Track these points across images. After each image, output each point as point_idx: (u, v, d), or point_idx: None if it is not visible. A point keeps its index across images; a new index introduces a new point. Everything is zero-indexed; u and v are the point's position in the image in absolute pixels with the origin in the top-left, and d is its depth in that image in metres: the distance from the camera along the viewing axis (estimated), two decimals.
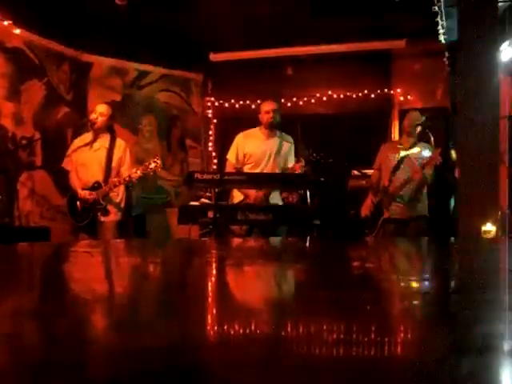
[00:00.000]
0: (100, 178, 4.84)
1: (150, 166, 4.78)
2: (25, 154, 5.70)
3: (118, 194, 4.93)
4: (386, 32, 6.44)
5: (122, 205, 4.98)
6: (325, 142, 6.08)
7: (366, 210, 4.99)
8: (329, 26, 6.22)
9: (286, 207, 4.75)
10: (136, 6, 5.69)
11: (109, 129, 5.05)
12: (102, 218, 4.83)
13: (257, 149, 4.83)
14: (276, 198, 4.82)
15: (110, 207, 4.86)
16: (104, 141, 4.94)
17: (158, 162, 4.80)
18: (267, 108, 4.84)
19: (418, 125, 4.94)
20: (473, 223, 4.60)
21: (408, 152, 4.89)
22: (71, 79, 6.33)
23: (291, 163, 4.82)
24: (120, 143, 5.01)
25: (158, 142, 7.06)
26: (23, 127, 5.68)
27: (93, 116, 4.95)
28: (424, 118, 5.05)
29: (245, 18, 6.04)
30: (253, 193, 4.69)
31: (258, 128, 4.92)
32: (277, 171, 4.81)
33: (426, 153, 4.85)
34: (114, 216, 4.89)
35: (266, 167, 4.82)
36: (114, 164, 4.90)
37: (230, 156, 4.89)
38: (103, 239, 4.63)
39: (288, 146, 4.88)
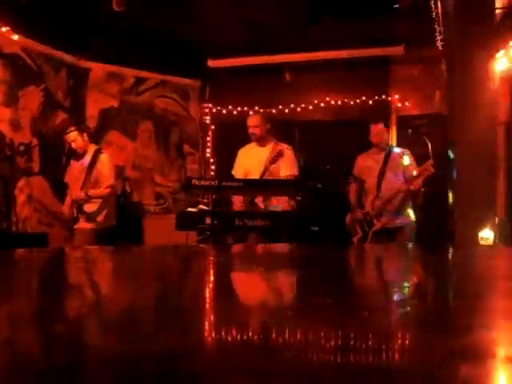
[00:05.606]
0: (78, 192, 4.92)
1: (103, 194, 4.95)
2: (22, 160, 5.70)
3: (94, 204, 4.97)
4: (384, 38, 6.46)
5: (100, 214, 5.00)
6: (322, 149, 6.09)
7: (349, 220, 5.00)
8: (327, 32, 6.25)
9: (283, 213, 4.73)
10: (134, 12, 5.71)
11: (95, 142, 5.25)
12: (75, 226, 4.97)
13: (251, 161, 4.87)
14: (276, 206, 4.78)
15: (81, 216, 4.95)
16: (89, 155, 5.05)
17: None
18: (249, 123, 4.92)
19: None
20: (470, 230, 4.61)
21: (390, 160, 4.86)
22: (69, 85, 6.33)
23: (288, 172, 4.76)
24: (104, 158, 5.04)
25: (156, 148, 7.07)
26: (21, 133, 5.68)
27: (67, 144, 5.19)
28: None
29: (243, 25, 6.07)
30: (238, 199, 4.70)
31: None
32: None
33: (407, 159, 4.79)
34: (86, 224, 4.95)
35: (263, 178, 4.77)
36: (92, 179, 4.98)
37: (235, 172, 4.95)
38: (75, 246, 4.73)
39: (286, 154, 4.81)
